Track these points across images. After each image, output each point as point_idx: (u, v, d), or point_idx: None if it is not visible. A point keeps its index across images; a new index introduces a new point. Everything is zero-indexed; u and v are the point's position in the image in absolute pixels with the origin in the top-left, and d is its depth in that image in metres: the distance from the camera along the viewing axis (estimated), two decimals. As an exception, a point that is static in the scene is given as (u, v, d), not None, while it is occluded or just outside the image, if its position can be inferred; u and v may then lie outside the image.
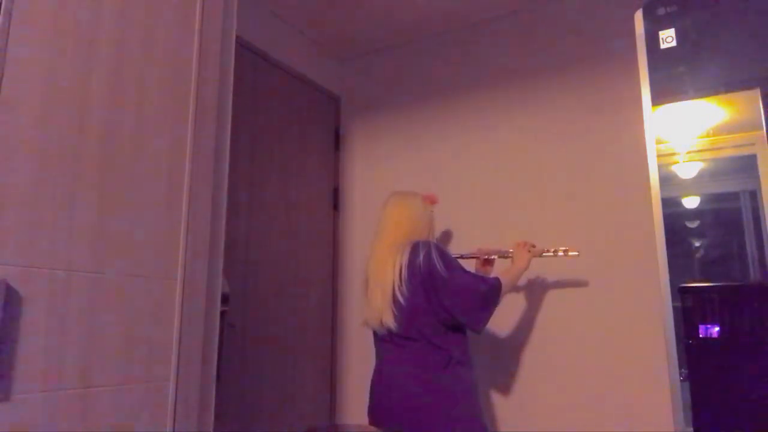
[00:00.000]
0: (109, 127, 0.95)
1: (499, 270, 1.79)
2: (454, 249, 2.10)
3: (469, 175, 2.23)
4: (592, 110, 2.00)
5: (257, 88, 2.17)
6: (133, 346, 0.94)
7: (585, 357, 1.87)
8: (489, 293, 1.61)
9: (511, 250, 1.82)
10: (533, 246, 1.81)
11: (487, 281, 1.63)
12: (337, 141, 2.61)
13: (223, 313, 1.18)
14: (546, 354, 1.95)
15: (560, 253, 1.79)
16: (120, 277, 0.93)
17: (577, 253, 1.78)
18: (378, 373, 1.67)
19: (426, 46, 2.45)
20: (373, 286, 1.66)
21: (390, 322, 1.59)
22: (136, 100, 1.00)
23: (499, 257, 1.87)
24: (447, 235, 2.23)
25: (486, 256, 1.89)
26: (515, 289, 2.00)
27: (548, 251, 1.80)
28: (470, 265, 1.85)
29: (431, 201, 1.83)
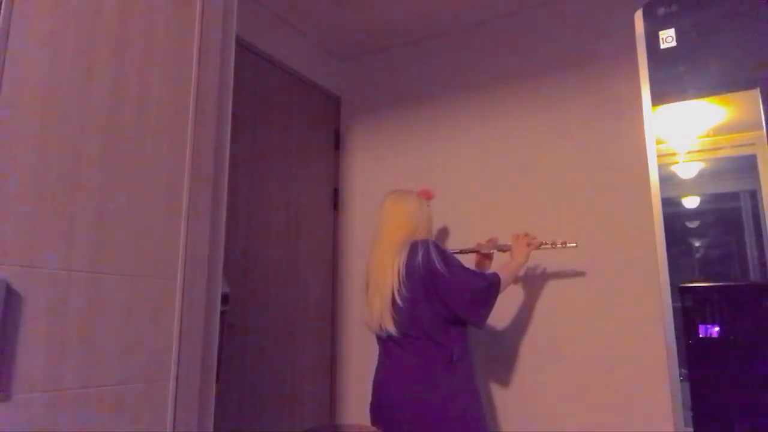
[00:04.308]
0: (110, 128, 0.95)
1: (498, 264, 1.80)
2: (452, 246, 2.10)
3: (469, 175, 2.23)
4: (592, 110, 2.00)
5: (257, 88, 2.17)
6: (133, 346, 0.94)
7: (585, 357, 1.87)
8: (488, 289, 1.62)
9: (509, 244, 1.82)
10: (533, 238, 1.81)
11: (486, 277, 1.64)
12: (337, 141, 2.61)
13: (223, 313, 1.18)
14: (546, 354, 1.95)
15: (558, 245, 1.80)
16: (120, 277, 0.93)
17: (575, 244, 1.79)
18: (379, 371, 1.67)
19: (426, 46, 2.45)
20: (372, 290, 1.66)
21: (390, 326, 1.59)
22: (136, 99, 1.00)
23: (498, 251, 1.89)
24: (447, 233, 2.24)
25: (485, 251, 1.89)
26: (515, 289, 2.00)
27: (546, 243, 1.81)
28: (469, 260, 1.86)
29: (427, 196, 1.83)
